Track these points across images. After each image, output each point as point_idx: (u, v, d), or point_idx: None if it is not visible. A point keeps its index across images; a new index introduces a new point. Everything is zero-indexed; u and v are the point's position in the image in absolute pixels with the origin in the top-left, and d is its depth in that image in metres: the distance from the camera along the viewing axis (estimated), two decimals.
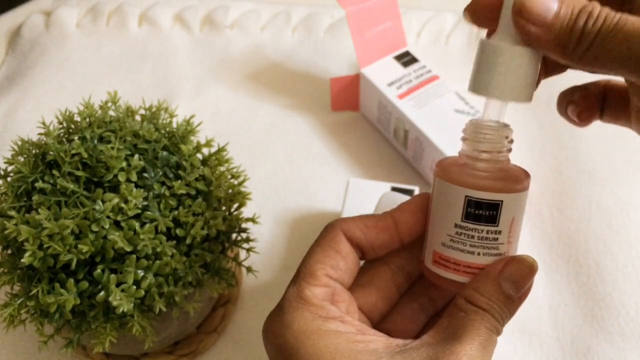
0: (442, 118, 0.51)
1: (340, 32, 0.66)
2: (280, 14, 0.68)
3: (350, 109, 0.59)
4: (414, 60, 0.56)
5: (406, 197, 0.40)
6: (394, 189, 0.45)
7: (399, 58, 0.56)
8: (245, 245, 0.42)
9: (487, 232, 0.27)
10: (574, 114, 0.33)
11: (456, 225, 0.28)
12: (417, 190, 0.46)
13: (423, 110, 0.52)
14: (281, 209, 0.53)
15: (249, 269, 0.42)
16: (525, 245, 0.50)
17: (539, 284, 0.48)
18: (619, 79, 0.33)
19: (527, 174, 0.29)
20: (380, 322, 0.31)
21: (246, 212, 0.43)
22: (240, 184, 0.42)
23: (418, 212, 0.30)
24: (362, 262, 0.31)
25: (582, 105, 0.33)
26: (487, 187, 0.27)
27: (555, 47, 0.25)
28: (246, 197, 0.42)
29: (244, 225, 0.42)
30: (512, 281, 0.27)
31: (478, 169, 0.28)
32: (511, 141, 0.29)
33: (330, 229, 0.30)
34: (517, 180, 0.28)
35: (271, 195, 0.54)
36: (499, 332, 0.27)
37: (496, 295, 0.27)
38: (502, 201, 0.27)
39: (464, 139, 0.29)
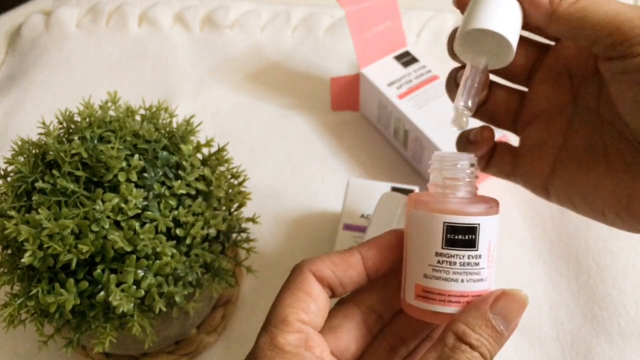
0: (442, 118, 0.51)
1: (340, 32, 0.66)
2: (280, 14, 0.68)
3: (350, 109, 0.59)
4: (414, 60, 0.56)
5: (406, 197, 0.40)
6: (394, 189, 0.45)
7: (399, 58, 0.56)
8: (245, 245, 0.42)
9: (469, 257, 0.28)
10: (477, 134, 0.36)
11: (437, 254, 0.28)
12: (417, 190, 0.46)
13: (423, 110, 0.52)
14: (281, 209, 0.53)
15: (249, 269, 0.42)
16: (525, 245, 0.50)
17: (539, 284, 0.48)
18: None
19: (495, 200, 0.29)
20: None
21: (246, 212, 0.43)
22: (240, 184, 0.42)
23: (385, 248, 0.30)
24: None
25: (483, 128, 0.36)
26: (464, 211, 0.28)
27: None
28: (246, 197, 0.42)
29: (244, 225, 0.42)
30: (503, 316, 0.27)
31: (451, 196, 0.29)
32: (477, 168, 0.30)
33: (299, 271, 0.29)
34: (489, 203, 0.29)
35: (271, 195, 0.54)
36: None
37: (487, 331, 0.27)
38: (479, 224, 0.28)
39: (432, 170, 0.30)
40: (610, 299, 0.47)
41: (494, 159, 0.38)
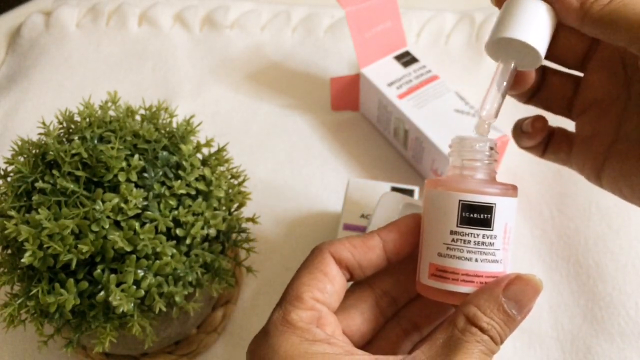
0: (442, 118, 0.51)
1: (340, 32, 0.66)
2: (280, 14, 0.68)
3: (350, 109, 0.59)
4: (414, 60, 0.56)
5: (406, 197, 0.40)
6: (394, 189, 0.45)
7: (399, 58, 0.56)
8: (245, 245, 0.42)
9: (483, 236, 0.28)
10: (529, 125, 0.37)
11: (452, 232, 0.28)
12: (417, 190, 0.46)
13: (423, 110, 0.52)
14: (281, 209, 0.53)
15: (249, 269, 0.42)
16: (525, 245, 0.50)
17: None
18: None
19: (513, 185, 0.29)
20: (363, 347, 0.30)
21: (246, 212, 0.43)
22: (240, 184, 0.42)
23: (405, 231, 0.30)
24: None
25: (535, 118, 0.37)
26: (480, 190, 0.28)
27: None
28: (246, 197, 0.42)
29: (244, 225, 0.42)
30: (516, 301, 0.27)
31: (469, 177, 0.29)
32: (496, 151, 0.30)
33: (318, 251, 0.29)
34: (506, 186, 0.29)
35: (271, 195, 0.54)
36: (494, 353, 0.27)
37: (498, 315, 0.27)
38: (495, 204, 0.28)
39: (451, 153, 0.30)
40: (610, 299, 0.47)
41: (551, 145, 0.37)
